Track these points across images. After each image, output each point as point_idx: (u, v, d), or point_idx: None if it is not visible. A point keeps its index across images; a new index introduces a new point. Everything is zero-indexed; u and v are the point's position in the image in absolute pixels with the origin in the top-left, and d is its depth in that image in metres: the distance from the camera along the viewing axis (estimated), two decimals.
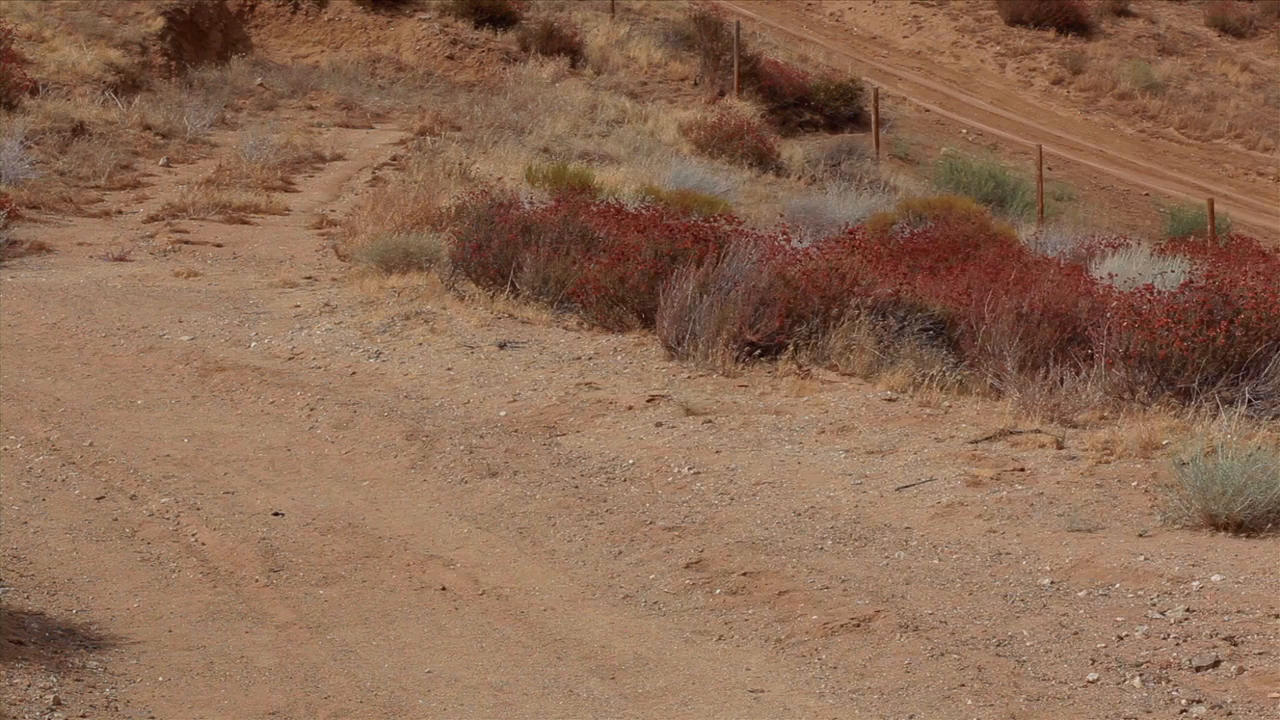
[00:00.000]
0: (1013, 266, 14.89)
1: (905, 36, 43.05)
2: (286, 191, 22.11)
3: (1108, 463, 10.10)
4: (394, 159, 24.91)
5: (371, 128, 27.96)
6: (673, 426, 11.20)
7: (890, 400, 11.74)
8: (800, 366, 12.48)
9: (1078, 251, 18.66)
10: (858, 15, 44.06)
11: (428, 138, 26.66)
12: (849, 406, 11.59)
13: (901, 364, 12.33)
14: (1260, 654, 7.06)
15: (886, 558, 8.69)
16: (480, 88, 32.09)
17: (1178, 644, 7.20)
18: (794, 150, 30.44)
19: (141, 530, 9.15)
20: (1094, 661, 7.08)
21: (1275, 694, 6.69)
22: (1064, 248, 19.08)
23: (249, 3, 33.86)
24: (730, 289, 12.84)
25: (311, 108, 29.23)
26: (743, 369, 12.50)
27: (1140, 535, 8.83)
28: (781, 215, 21.60)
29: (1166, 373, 11.33)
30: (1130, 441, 10.29)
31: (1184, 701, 6.65)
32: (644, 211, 17.31)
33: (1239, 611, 7.50)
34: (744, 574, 8.34)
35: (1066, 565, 8.30)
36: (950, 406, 11.56)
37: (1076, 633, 7.42)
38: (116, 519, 9.32)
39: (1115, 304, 12.20)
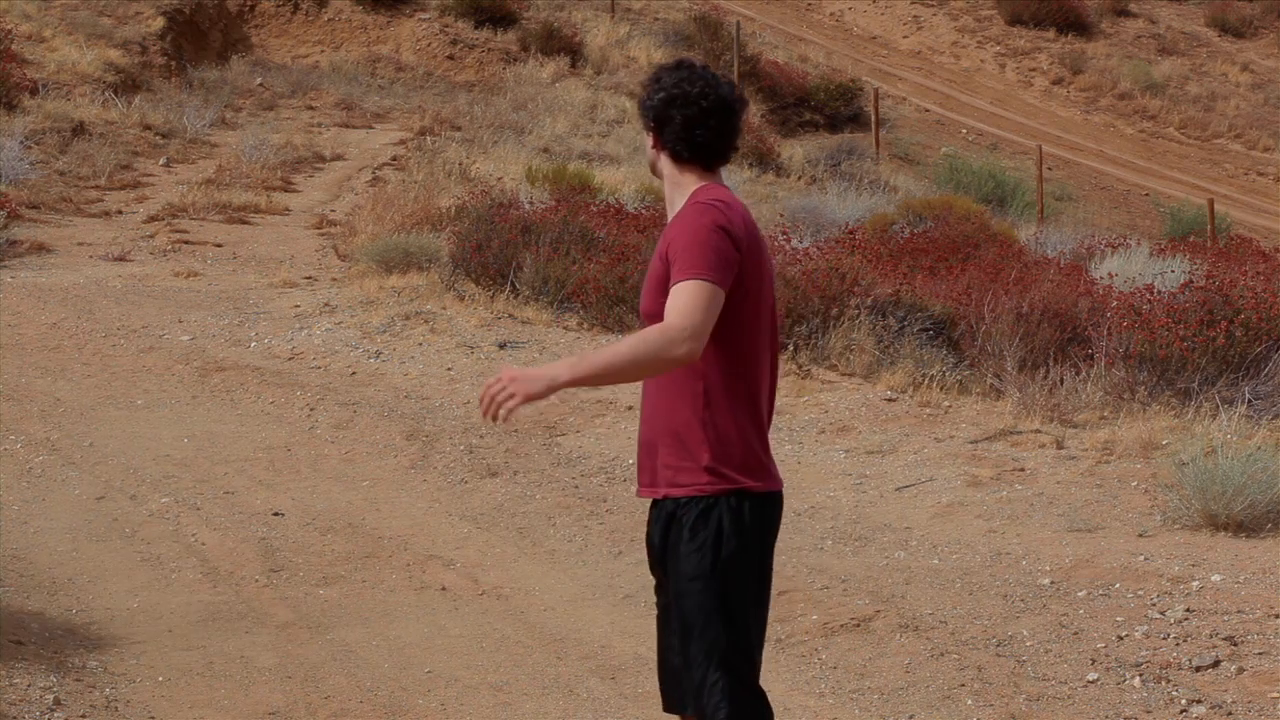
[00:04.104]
0: (1013, 266, 14.90)
1: (905, 36, 43.04)
2: (286, 191, 22.10)
3: (1108, 463, 10.10)
4: (394, 159, 24.90)
5: (371, 128, 27.94)
6: None
7: (890, 400, 11.74)
8: (800, 366, 12.48)
9: (1078, 251, 18.66)
10: (858, 15, 44.04)
11: (428, 138, 26.65)
12: (849, 406, 11.59)
13: (901, 364, 12.33)
14: (1260, 654, 7.05)
15: (886, 558, 8.68)
16: (480, 88, 32.07)
17: (1178, 644, 7.19)
18: (794, 150, 30.42)
19: (141, 530, 9.14)
20: (1094, 661, 7.08)
21: (1275, 694, 6.69)
22: (1064, 248, 19.09)
23: (249, 3, 33.83)
24: None
25: (311, 108, 29.21)
26: None
27: (1140, 535, 8.83)
28: (781, 215, 21.58)
29: (1166, 373, 11.33)
30: (1130, 441, 10.29)
31: (1184, 701, 6.65)
32: (644, 211, 17.32)
33: (1239, 611, 7.50)
34: None
35: (1066, 565, 8.30)
36: (950, 406, 11.56)
37: (1076, 633, 7.41)
38: (116, 519, 9.32)
39: (1115, 304, 12.21)
